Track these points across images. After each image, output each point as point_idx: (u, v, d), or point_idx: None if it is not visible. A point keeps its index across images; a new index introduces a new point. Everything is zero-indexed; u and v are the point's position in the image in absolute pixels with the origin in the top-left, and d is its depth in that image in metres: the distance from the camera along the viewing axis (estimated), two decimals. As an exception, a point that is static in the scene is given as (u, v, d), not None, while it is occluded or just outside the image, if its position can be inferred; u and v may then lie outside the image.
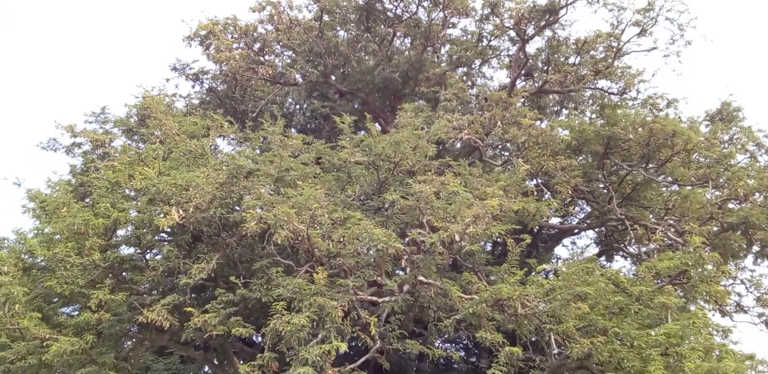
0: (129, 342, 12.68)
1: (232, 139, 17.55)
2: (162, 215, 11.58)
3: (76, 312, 12.78)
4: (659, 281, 12.33)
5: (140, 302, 11.65)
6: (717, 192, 16.35)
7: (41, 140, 18.66)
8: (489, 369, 11.04)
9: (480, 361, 16.30)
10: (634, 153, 17.14)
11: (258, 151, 15.11)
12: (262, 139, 15.33)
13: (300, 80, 20.84)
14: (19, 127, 48.49)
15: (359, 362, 11.16)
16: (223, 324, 10.88)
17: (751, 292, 16.42)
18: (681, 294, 13.19)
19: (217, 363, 13.42)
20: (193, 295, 11.96)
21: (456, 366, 17.40)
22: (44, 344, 10.56)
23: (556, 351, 12.47)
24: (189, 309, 11.05)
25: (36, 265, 12.68)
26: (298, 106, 23.24)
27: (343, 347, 10.23)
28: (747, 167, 16.73)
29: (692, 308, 13.33)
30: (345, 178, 14.20)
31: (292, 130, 20.94)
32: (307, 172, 13.00)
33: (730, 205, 16.50)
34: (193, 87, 21.55)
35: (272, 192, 12.60)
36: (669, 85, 37.86)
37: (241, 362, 11.74)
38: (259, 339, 13.59)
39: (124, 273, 12.52)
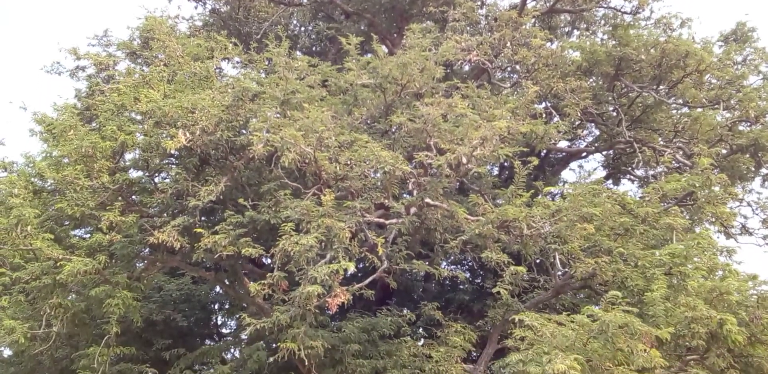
0: (141, 263, 12.90)
1: (237, 62, 17.29)
2: (169, 138, 11.56)
3: (88, 235, 12.98)
4: (666, 203, 12.38)
5: (150, 224, 11.78)
6: (728, 114, 16.18)
7: (45, 64, 18.46)
8: (494, 288, 11.28)
9: (485, 282, 16.57)
10: (646, 74, 16.86)
11: (263, 74, 14.92)
12: (267, 62, 15.10)
13: (305, 0, 20.36)
14: (23, 50, 47.92)
15: (367, 281, 11.38)
16: (233, 244, 11.03)
17: (757, 214, 16.48)
18: (687, 215, 13.26)
19: (228, 283, 13.68)
20: (202, 218, 12.08)
21: (461, 286, 17.72)
22: (58, 264, 10.77)
23: (560, 272, 12.69)
24: (199, 230, 11.18)
25: (46, 188, 12.78)
26: (303, 28, 22.78)
27: (351, 267, 10.40)
28: (759, 88, 16.47)
29: (698, 229, 13.39)
30: (351, 101, 14.05)
31: (297, 52, 20.56)
32: (313, 95, 12.86)
33: (741, 127, 16.36)
34: (196, 8, 21.12)
35: (278, 115, 12.51)
36: (683, 4, 36.76)
37: (251, 282, 11.96)
38: (269, 260, 13.79)
39: (133, 197, 12.62)
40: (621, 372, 8.33)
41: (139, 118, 13.16)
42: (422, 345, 13.17)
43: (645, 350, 8.28)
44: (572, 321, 8.96)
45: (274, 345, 12.59)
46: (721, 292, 9.24)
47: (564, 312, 9.69)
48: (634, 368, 8.42)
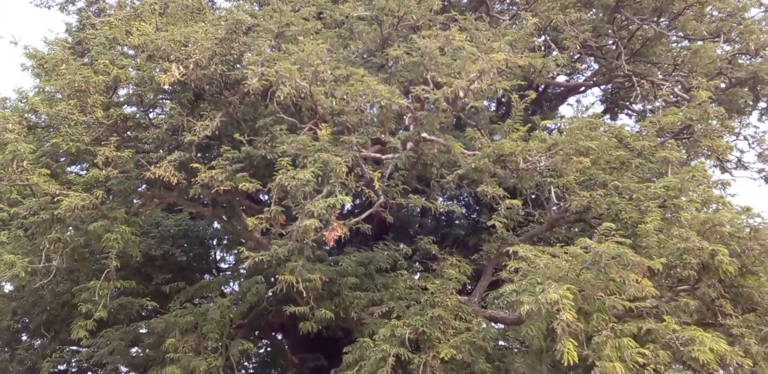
0: (138, 199, 12.94)
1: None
2: (162, 72, 11.41)
3: (84, 171, 12.98)
4: (662, 137, 12.37)
5: (146, 159, 11.77)
6: (728, 47, 15.99)
7: (34, -4, 18.01)
8: (489, 222, 11.38)
9: (480, 217, 16.70)
10: (647, 6, 16.56)
11: (257, 6, 14.63)
12: (260, -7, 14.80)
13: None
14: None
15: (363, 215, 11.46)
16: (230, 179, 11.04)
17: (753, 148, 16.52)
18: (683, 149, 13.26)
19: (225, 218, 13.77)
20: (198, 154, 12.07)
21: (457, 222, 17.88)
22: (55, 200, 10.79)
23: (555, 206, 12.78)
24: (195, 165, 11.19)
25: (40, 124, 12.72)
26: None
27: (348, 201, 10.44)
28: (760, 20, 16.22)
29: (693, 163, 13.43)
30: (347, 34, 13.82)
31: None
32: (308, 28, 12.63)
33: (740, 60, 16.19)
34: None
35: (273, 49, 12.33)
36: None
37: (249, 217, 12.04)
38: (265, 197, 13.85)
39: (128, 132, 12.55)
40: (613, 301, 8.48)
41: (131, 52, 12.97)
42: (418, 278, 13.37)
43: (637, 280, 8.42)
44: (566, 253, 9.08)
45: (272, 278, 12.80)
46: (714, 224, 9.32)
47: (558, 245, 9.82)
48: (625, 297, 8.58)
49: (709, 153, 12.65)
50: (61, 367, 15.36)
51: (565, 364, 7.98)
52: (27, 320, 14.98)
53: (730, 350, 8.23)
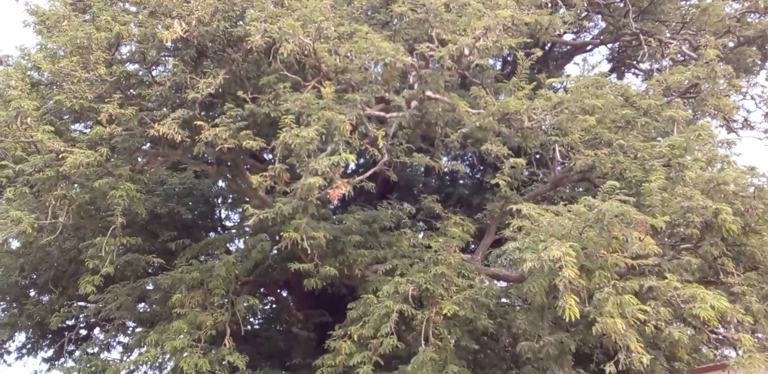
0: (142, 158, 12.95)
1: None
2: (164, 29, 11.29)
3: (88, 130, 12.96)
4: (669, 95, 12.28)
5: (150, 117, 11.73)
6: (737, 5, 15.74)
7: (32, -48, 17.72)
8: (493, 180, 11.39)
9: (484, 177, 16.69)
10: (655, -38, 16.29)
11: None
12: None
13: None
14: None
15: (368, 174, 11.48)
16: (234, 137, 11.03)
17: (759, 108, 16.40)
18: (689, 108, 13.17)
19: (230, 177, 13.80)
20: (202, 112, 12.02)
21: (461, 181, 17.90)
22: (60, 157, 10.80)
23: (559, 166, 12.77)
24: (199, 122, 11.16)
25: (42, 81, 12.64)
26: None
27: (352, 159, 10.46)
28: (771, -22, 15.92)
29: (699, 123, 13.35)
30: (351, -10, 13.65)
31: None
32: (311, -17, 12.44)
33: (749, 19, 15.96)
34: None
35: (276, 5, 12.16)
36: None
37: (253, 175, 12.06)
38: (269, 156, 13.85)
39: (131, 90, 12.48)
40: (615, 259, 8.54)
41: (133, 8, 12.83)
42: (422, 237, 13.45)
43: (640, 238, 8.46)
44: (569, 211, 9.10)
45: (277, 236, 12.86)
46: (718, 183, 9.32)
47: (561, 204, 9.83)
48: (628, 255, 8.64)
49: (716, 112, 12.56)
50: (70, 322, 15.61)
51: (567, 320, 8.08)
52: (34, 276, 15.16)
53: (731, 307, 8.31)
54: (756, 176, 9.98)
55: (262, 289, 16.84)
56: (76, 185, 11.67)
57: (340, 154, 10.32)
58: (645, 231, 8.63)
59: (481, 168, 18.08)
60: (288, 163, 10.80)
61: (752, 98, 16.40)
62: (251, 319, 17.57)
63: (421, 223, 14.32)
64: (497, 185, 12.12)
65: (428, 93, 11.68)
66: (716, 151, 10.65)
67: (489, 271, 12.27)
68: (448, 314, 10.73)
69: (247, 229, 14.45)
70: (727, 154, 10.89)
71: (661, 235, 9.48)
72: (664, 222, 8.68)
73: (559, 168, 12.91)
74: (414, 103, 11.99)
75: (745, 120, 16.31)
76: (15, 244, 14.06)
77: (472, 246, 15.23)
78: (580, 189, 14.32)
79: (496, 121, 11.02)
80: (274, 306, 18.87)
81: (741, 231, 9.20)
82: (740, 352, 8.57)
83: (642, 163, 10.42)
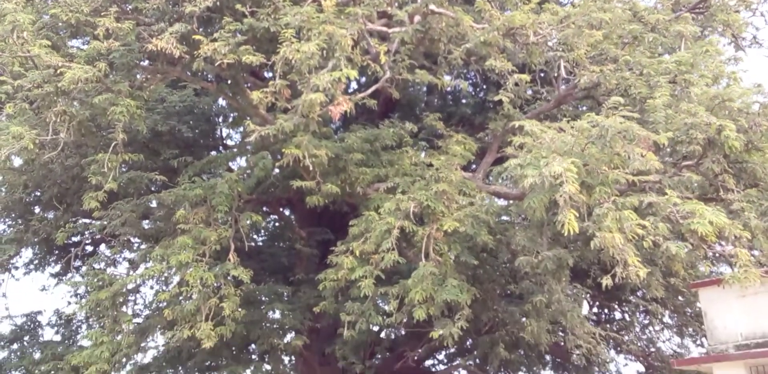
0: (141, 74, 12.79)
1: None
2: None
3: (85, 46, 12.73)
4: (678, 10, 11.99)
5: (148, 32, 11.52)
6: None
7: None
8: (496, 96, 11.29)
9: (488, 96, 16.53)
10: None
11: None
12: None
13: None
14: None
15: (369, 90, 11.39)
16: (233, 52, 10.86)
17: (769, 25, 16.00)
18: (698, 24, 12.87)
19: (230, 95, 13.67)
20: (200, 28, 11.79)
21: (464, 100, 17.75)
22: (58, 72, 10.66)
23: (564, 83, 12.63)
24: (197, 37, 10.96)
25: (37, -5, 12.34)
26: None
27: (354, 75, 10.32)
28: None
29: (707, 39, 13.09)
30: None
31: None
32: None
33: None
34: None
35: None
36: None
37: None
38: (270, 74, 13.67)
39: (127, 3, 12.18)
40: (616, 175, 8.56)
41: None
42: (423, 156, 13.45)
43: (642, 154, 8.44)
44: (572, 128, 9.06)
45: (279, 155, 12.88)
46: (723, 99, 9.23)
47: (564, 121, 9.77)
48: (629, 171, 8.65)
49: (724, 28, 12.28)
50: (75, 239, 15.84)
51: (566, 234, 8.17)
52: (38, 193, 15.24)
53: (729, 223, 8.35)
54: (762, 93, 9.88)
55: (265, 208, 16.99)
56: (75, 101, 11.56)
57: (341, 70, 10.19)
58: (647, 147, 8.61)
59: (484, 86, 17.89)
60: (289, 79, 10.67)
61: (762, 15, 15.93)
62: (255, 236, 17.83)
63: (422, 142, 14.27)
64: (500, 103, 12.02)
65: (432, 7, 11.40)
66: (723, 68, 10.49)
67: (490, 189, 12.34)
68: (449, 230, 10.84)
69: (248, 148, 14.45)
70: (733, 70, 10.73)
71: (664, 152, 9.47)
72: (666, 139, 8.65)
73: (563, 86, 12.77)
74: (417, 18, 11.73)
75: (754, 37, 15.92)
76: (17, 161, 14.07)
77: (474, 166, 15.24)
78: (584, 107, 14.21)
79: (500, 35, 10.82)
80: (277, 224, 19.10)
81: (743, 148, 9.18)
82: (736, 267, 8.67)
83: (647, 80, 10.28)
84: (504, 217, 12.89)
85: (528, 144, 9.29)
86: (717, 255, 10.36)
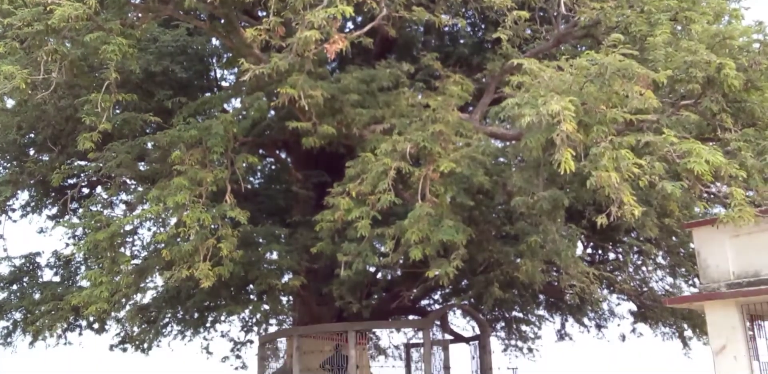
0: (133, 12, 12.52)
1: None
2: None
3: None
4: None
5: (138, -32, 11.24)
6: None
7: None
8: (494, 34, 11.11)
9: (486, 35, 16.28)
10: None
11: None
12: None
13: None
14: None
15: (366, 28, 11.19)
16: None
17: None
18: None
19: (224, 34, 13.42)
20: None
21: (462, 41, 17.48)
22: (47, 9, 10.42)
23: (563, 21, 12.41)
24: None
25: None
26: None
27: (350, 11, 10.09)
28: None
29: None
30: None
31: None
32: None
33: None
34: None
35: None
36: None
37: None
38: (264, 13, 13.39)
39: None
40: (614, 114, 8.49)
41: None
42: (420, 97, 13.32)
43: (640, 92, 8.37)
44: (571, 66, 8.95)
45: (274, 98, 12.74)
46: (724, 37, 9.12)
47: (563, 58, 9.62)
48: (627, 111, 8.58)
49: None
50: (71, 181, 15.83)
51: (562, 174, 8.17)
52: (33, 135, 15.16)
53: (725, 162, 8.35)
54: (763, 32, 9.73)
55: (261, 150, 16.95)
56: (66, 40, 11.37)
57: (336, 6, 9.97)
58: (646, 85, 8.53)
59: (483, 26, 17.58)
60: (283, 16, 10.46)
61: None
62: (251, 179, 17.85)
63: (420, 83, 14.11)
64: (498, 43, 11.83)
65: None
66: (724, 5, 10.30)
67: (487, 130, 12.28)
68: (445, 171, 10.82)
69: (243, 88, 14.28)
70: (735, 7, 10.54)
71: (663, 92, 9.38)
72: (666, 77, 8.57)
73: (562, 24, 12.56)
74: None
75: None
76: (10, 103, 13.94)
77: (471, 107, 15.13)
78: (583, 47, 14.00)
79: (499, -29, 10.57)
80: (273, 166, 19.10)
81: (743, 87, 9.12)
82: (731, 207, 8.70)
83: (648, 17, 10.11)
84: (500, 159, 12.87)
85: (526, 83, 9.20)
86: (712, 195, 10.37)
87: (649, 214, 11.89)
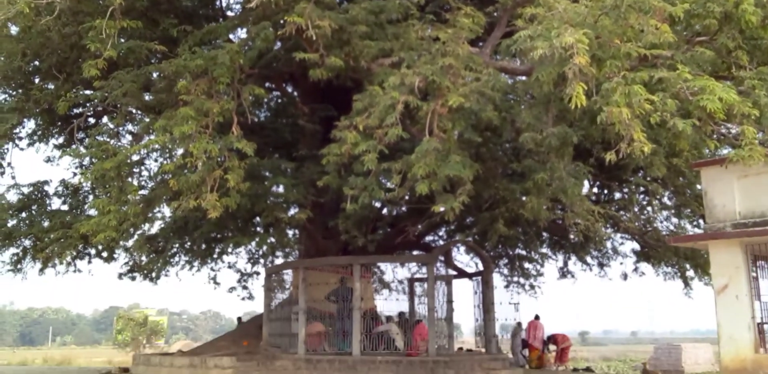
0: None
1: None
2: None
3: None
4: None
5: None
6: None
7: None
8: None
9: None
10: None
11: None
12: None
13: None
14: None
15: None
16: None
17: None
18: None
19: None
20: None
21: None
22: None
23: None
24: None
25: None
26: None
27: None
28: None
29: None
30: None
31: None
32: None
33: None
34: None
35: None
36: None
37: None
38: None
39: None
40: (628, 48, 8.31)
41: None
42: (430, 30, 13.03)
43: (656, 26, 8.16)
44: (587, -2, 8.71)
45: (281, 28, 12.50)
46: (744, -30, 8.80)
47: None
48: (642, 45, 8.40)
49: None
50: (77, 110, 15.74)
51: (573, 108, 8.06)
52: (37, 62, 14.97)
53: (739, 100, 8.18)
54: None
55: (267, 83, 16.76)
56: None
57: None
58: (662, 19, 8.32)
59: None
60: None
61: None
62: (258, 112, 17.75)
63: (430, 15, 13.79)
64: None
65: None
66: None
67: (497, 65, 12.09)
68: (453, 106, 10.65)
69: (249, 18, 13.99)
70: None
71: (678, 26, 9.14)
72: (682, 11, 8.34)
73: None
74: None
75: None
76: (14, 29, 13.71)
77: (481, 42, 14.83)
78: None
79: None
80: (279, 100, 18.95)
81: (760, 23, 8.89)
82: (742, 145, 8.58)
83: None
84: (510, 95, 12.70)
85: (539, 15, 8.97)
86: (722, 136, 10.25)
87: (658, 153, 11.82)
